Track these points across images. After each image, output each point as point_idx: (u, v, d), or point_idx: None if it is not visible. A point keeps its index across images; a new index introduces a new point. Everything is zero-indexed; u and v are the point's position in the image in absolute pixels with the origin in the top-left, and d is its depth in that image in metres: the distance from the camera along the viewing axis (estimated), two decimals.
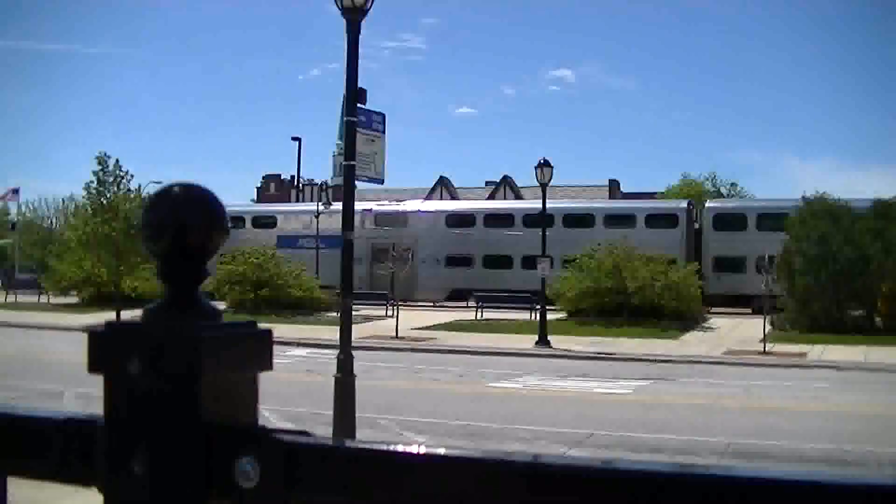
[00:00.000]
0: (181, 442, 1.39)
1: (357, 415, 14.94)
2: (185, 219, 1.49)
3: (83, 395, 17.75)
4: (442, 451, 1.34)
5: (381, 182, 17.85)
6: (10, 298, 57.39)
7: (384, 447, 1.36)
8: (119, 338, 1.44)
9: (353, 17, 15.16)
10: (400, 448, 1.35)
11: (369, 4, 15.11)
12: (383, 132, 17.23)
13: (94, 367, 1.45)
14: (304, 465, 1.35)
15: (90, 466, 1.47)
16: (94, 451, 1.46)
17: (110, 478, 1.43)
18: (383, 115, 17.24)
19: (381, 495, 1.34)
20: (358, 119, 16.08)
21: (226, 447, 1.37)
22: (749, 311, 44.77)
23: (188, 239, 1.49)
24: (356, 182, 16.28)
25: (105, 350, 1.44)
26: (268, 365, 1.51)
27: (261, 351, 1.50)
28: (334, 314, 38.15)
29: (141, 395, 1.40)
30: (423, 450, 1.34)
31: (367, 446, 1.38)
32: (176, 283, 1.50)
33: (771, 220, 47.57)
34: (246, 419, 1.46)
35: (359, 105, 16.11)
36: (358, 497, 1.35)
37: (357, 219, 16.77)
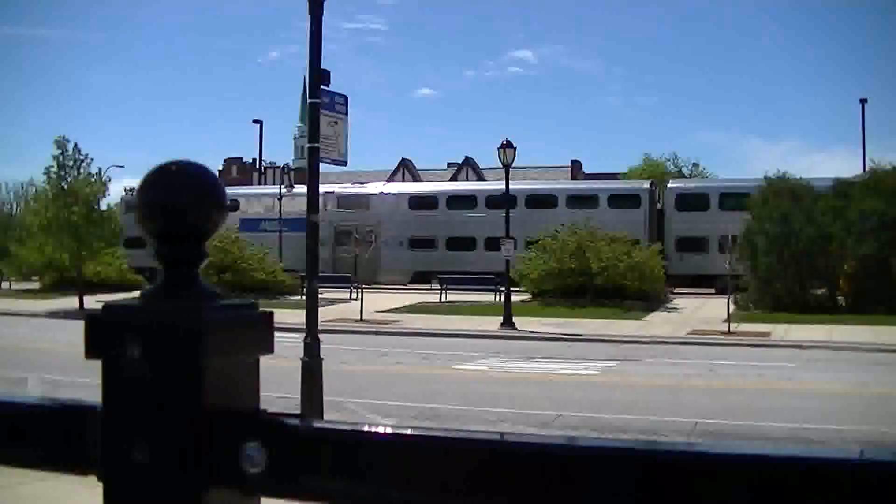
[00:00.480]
0: (184, 428, 1.35)
1: (324, 398, 14.91)
2: (182, 198, 1.45)
3: (49, 382, 17.61)
4: (447, 434, 1.33)
5: (345, 164, 17.75)
6: None
7: (391, 430, 1.35)
8: (119, 321, 1.40)
9: None
10: (408, 431, 1.34)
11: None
12: (346, 114, 17.15)
13: (92, 352, 1.41)
14: (312, 450, 1.33)
15: (88, 454, 1.43)
16: (93, 439, 1.42)
17: (110, 466, 1.40)
18: (345, 97, 17.14)
19: (389, 478, 1.32)
20: (321, 101, 15.99)
21: (231, 432, 1.34)
22: (712, 290, 45.04)
23: (186, 219, 1.45)
24: (319, 164, 16.21)
25: (104, 334, 1.40)
26: (269, 348, 1.48)
27: (262, 333, 1.47)
28: (298, 297, 38.11)
29: (142, 380, 1.36)
30: (430, 433, 1.34)
31: (374, 430, 1.36)
32: (174, 264, 1.46)
33: (733, 199, 47.73)
34: (249, 404, 1.43)
35: (322, 87, 16.02)
36: (367, 480, 1.32)
37: (320, 201, 16.67)
